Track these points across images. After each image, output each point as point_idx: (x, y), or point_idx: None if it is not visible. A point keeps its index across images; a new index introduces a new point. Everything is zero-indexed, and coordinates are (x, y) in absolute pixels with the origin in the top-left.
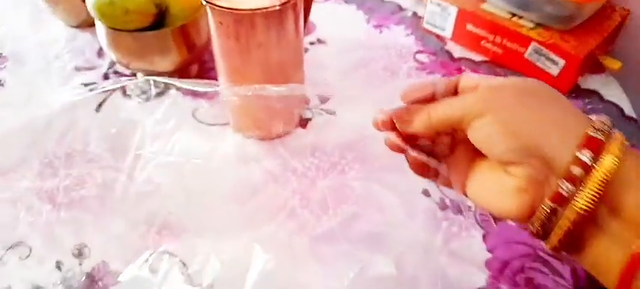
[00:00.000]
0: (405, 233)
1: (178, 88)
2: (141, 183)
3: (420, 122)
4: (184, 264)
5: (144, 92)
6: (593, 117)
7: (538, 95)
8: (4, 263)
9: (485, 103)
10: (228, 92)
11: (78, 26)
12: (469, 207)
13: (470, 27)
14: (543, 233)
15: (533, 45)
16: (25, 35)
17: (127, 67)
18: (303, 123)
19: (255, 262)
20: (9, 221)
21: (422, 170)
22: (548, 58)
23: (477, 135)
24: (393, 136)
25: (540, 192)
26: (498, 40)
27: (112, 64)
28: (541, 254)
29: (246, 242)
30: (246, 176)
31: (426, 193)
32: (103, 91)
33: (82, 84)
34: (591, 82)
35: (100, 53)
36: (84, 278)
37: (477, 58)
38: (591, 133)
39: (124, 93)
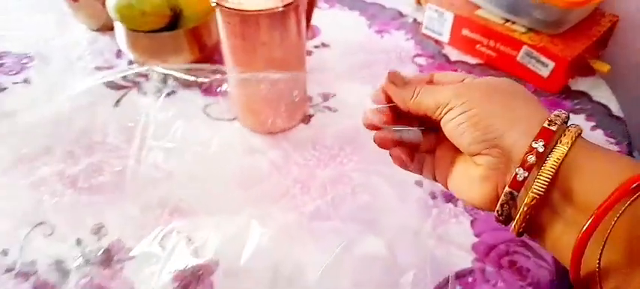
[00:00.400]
0: (397, 218)
1: (189, 85)
2: (154, 171)
3: (405, 94)
4: (190, 239)
5: (158, 90)
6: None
7: (506, 92)
8: (30, 240)
9: (457, 97)
10: (233, 77)
11: (99, 29)
12: None
13: (465, 32)
14: (506, 219)
15: (524, 48)
16: (51, 37)
17: (143, 66)
18: (306, 119)
19: (252, 236)
20: (34, 203)
21: (404, 164)
22: (538, 61)
23: (448, 126)
24: (381, 132)
25: (502, 179)
26: (492, 44)
27: (130, 63)
28: (525, 239)
29: (248, 221)
30: (251, 166)
31: (418, 184)
32: (119, 85)
33: (101, 82)
34: (581, 84)
35: (119, 54)
36: (101, 252)
37: (472, 60)
38: (546, 126)
39: (140, 90)
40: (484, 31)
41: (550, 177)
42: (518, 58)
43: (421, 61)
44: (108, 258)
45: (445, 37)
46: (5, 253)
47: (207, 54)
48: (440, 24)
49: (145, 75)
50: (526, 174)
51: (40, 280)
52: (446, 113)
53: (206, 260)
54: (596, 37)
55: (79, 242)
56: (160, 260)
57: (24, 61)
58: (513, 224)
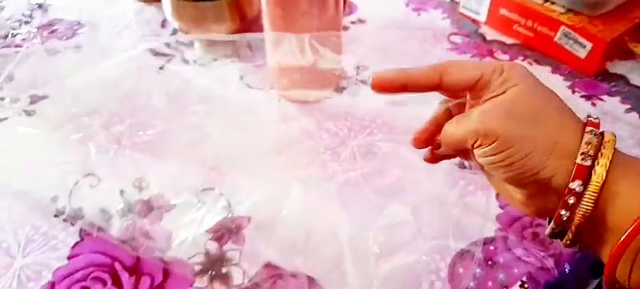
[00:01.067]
0: (423, 187)
1: (228, 55)
2: (193, 133)
3: (444, 146)
4: (225, 197)
5: (200, 58)
6: (586, 123)
7: (536, 105)
8: (78, 188)
9: (480, 131)
10: (270, 48)
11: (145, 0)
12: None
13: (503, 11)
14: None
15: (562, 29)
16: (101, 7)
17: (187, 34)
18: (339, 91)
19: (286, 199)
20: (82, 156)
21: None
22: (576, 41)
23: (480, 160)
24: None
25: (543, 203)
26: (530, 23)
27: (173, 33)
28: None
29: (280, 183)
30: (285, 132)
31: None
32: (162, 52)
33: (147, 49)
34: (619, 67)
35: (164, 24)
36: (143, 203)
37: (509, 40)
38: (580, 162)
39: (183, 58)
40: (522, 10)
41: (590, 210)
42: (556, 39)
43: (457, 39)
44: (149, 209)
45: (482, 17)
46: (55, 200)
47: (248, 24)
48: (477, 3)
49: (188, 44)
50: (568, 214)
51: (87, 224)
52: (475, 148)
53: (241, 216)
54: (637, 19)
55: (122, 193)
56: (197, 214)
57: (75, 27)
58: (562, 243)
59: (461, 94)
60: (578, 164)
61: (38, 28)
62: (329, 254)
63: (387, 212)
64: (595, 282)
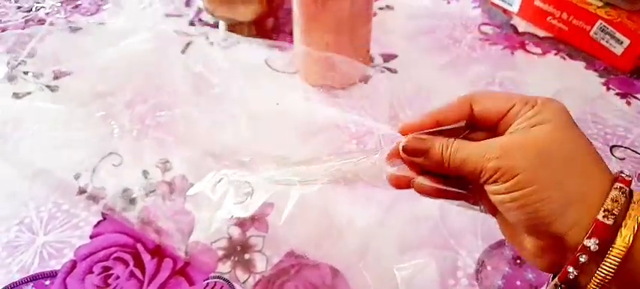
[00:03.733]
0: None
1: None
2: (216, 116)
3: (434, 160)
4: (250, 184)
5: (224, 40)
6: (617, 178)
7: (562, 153)
8: (101, 168)
9: (503, 166)
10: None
11: None
12: None
13: (537, 2)
14: None
15: (599, 23)
16: None
17: (212, 15)
18: (366, 79)
19: (309, 187)
20: (105, 134)
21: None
22: (613, 37)
23: (492, 198)
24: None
25: (557, 259)
26: (565, 16)
27: (197, 13)
28: None
29: (303, 170)
30: (309, 119)
31: None
32: (187, 32)
33: (170, 29)
34: None
35: (188, 3)
36: (165, 185)
37: (542, 33)
38: (601, 219)
39: (207, 39)
40: (557, 2)
41: (610, 275)
42: (592, 33)
43: (487, 29)
44: (171, 191)
45: (515, 7)
46: (77, 177)
47: (274, 8)
48: None
49: (212, 25)
50: (577, 272)
51: (109, 204)
52: (489, 183)
53: (261, 203)
54: None
55: (144, 174)
56: (210, 203)
57: (99, 3)
58: None
59: (490, 125)
60: (598, 220)
61: (62, 2)
62: (352, 245)
63: (412, 205)
64: None
